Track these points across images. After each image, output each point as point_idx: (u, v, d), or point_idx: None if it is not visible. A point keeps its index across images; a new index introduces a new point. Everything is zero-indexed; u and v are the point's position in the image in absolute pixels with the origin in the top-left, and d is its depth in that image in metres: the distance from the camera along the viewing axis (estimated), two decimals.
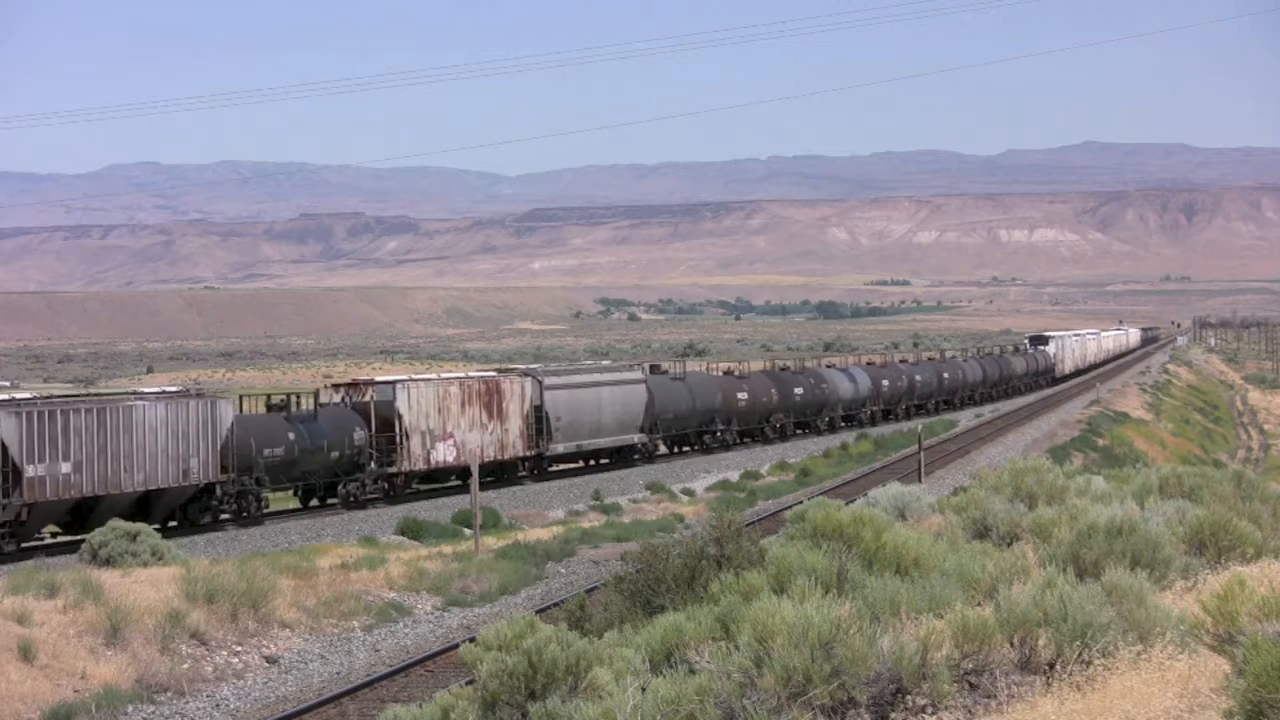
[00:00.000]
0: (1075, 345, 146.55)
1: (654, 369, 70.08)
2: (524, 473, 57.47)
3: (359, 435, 49.19)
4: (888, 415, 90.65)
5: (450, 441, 52.41)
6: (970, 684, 12.11)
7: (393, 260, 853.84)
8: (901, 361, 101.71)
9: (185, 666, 24.45)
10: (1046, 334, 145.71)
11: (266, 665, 25.84)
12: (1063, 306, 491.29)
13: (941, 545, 16.89)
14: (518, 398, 55.79)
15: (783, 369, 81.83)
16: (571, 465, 61.84)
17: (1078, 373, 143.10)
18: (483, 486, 50.72)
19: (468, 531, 39.71)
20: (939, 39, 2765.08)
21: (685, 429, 68.29)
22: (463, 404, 53.12)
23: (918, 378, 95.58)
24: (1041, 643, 12.32)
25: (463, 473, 52.08)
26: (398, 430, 50.33)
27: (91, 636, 24.28)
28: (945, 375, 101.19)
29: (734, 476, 58.85)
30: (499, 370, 61.15)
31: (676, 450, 69.57)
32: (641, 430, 63.39)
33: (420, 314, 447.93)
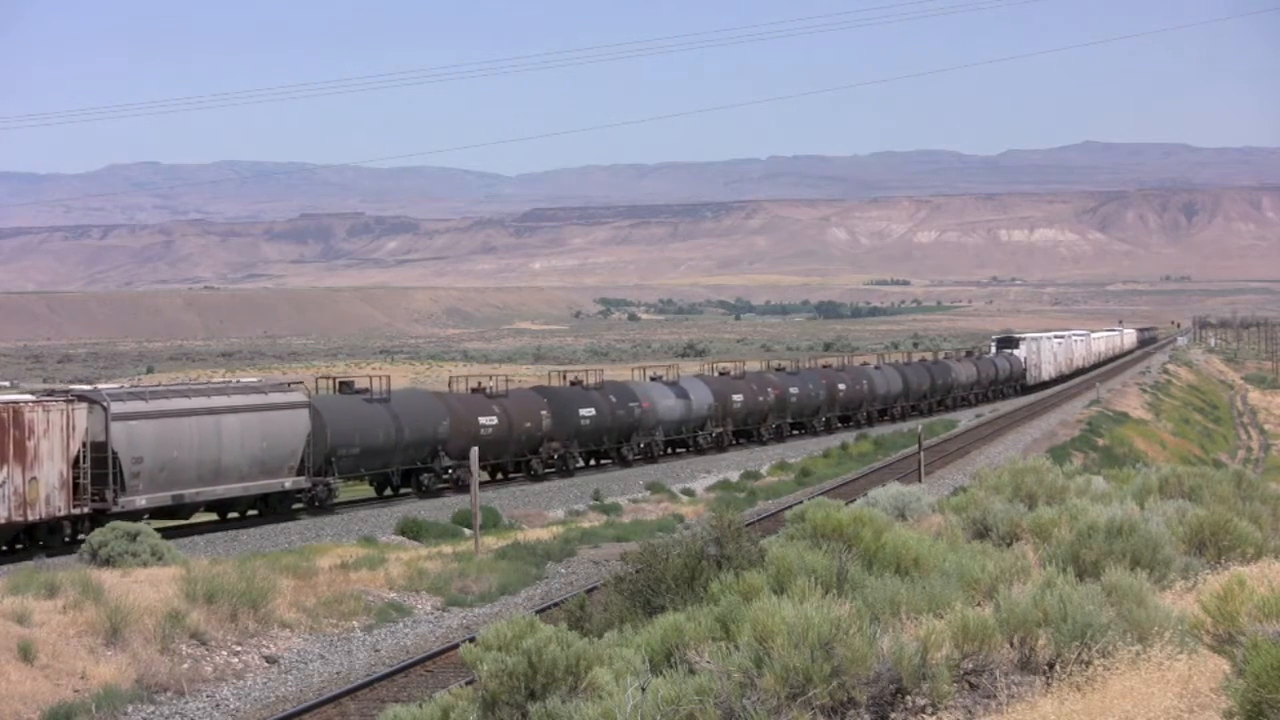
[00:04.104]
0: (1055, 348, 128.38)
1: (343, 386, 53.54)
2: (81, 535, 37.91)
3: None
4: (744, 437, 73.69)
5: None
6: (970, 684, 12.12)
7: (393, 260, 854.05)
8: (778, 370, 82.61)
9: (185, 666, 24.44)
10: (1016, 335, 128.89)
11: (266, 665, 25.84)
12: (1063, 306, 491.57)
13: (941, 545, 16.90)
14: (59, 432, 38.99)
15: (573, 383, 64.08)
16: (176, 523, 43.56)
17: (1060, 379, 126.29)
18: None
19: (467, 531, 39.70)
20: (939, 39, 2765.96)
21: (385, 466, 51.49)
22: None
23: (793, 390, 76.88)
24: (1041, 643, 12.33)
25: None
26: None
27: (91, 636, 24.28)
28: (841, 387, 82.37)
29: (734, 476, 59.12)
30: (47, 393, 42.67)
31: (383, 496, 53.12)
32: (302, 471, 46.94)
33: (420, 314, 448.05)
